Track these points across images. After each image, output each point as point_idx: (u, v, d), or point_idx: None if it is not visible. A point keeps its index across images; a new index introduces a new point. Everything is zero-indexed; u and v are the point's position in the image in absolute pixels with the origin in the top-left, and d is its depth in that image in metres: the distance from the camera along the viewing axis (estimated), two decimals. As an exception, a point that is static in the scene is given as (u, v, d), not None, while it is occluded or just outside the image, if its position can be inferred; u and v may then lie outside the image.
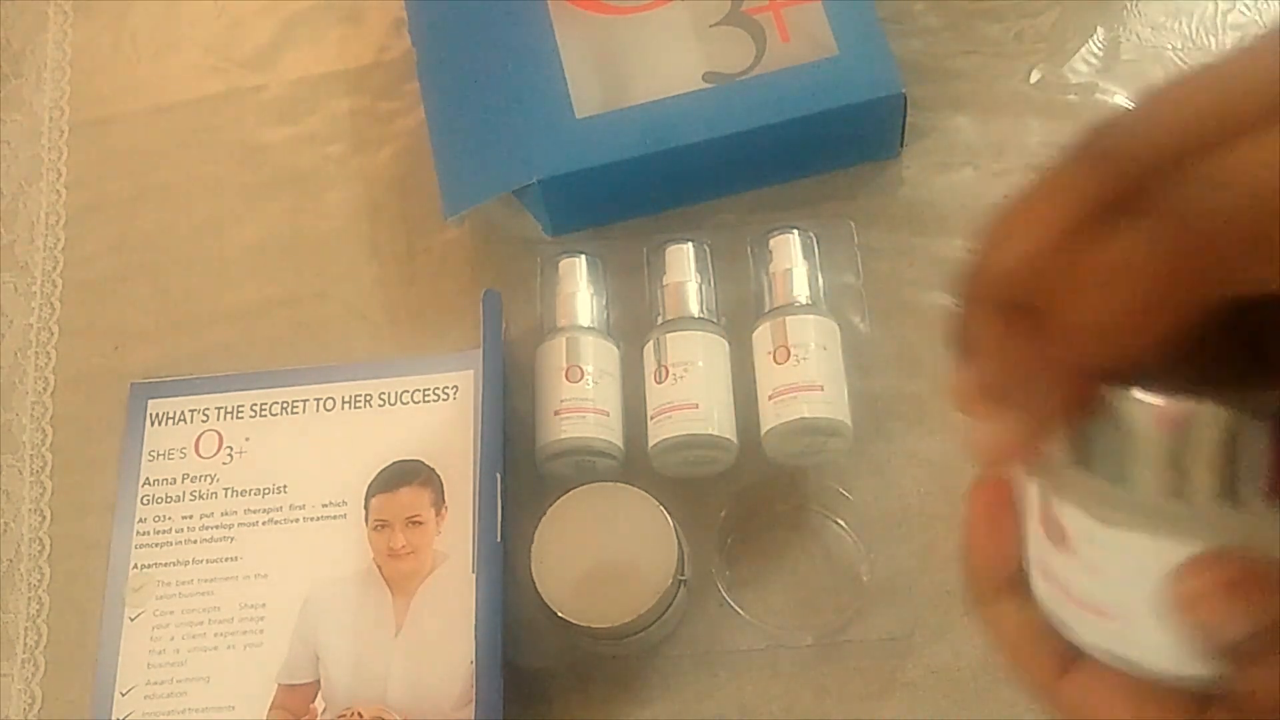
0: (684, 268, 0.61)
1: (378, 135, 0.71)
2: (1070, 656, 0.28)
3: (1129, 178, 0.24)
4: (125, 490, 0.63)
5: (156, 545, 0.61)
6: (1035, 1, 0.69)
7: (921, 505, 0.58)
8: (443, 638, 0.58)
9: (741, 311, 0.62)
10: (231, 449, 0.63)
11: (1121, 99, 0.66)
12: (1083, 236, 0.24)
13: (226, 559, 0.61)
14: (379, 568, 0.60)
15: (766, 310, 0.60)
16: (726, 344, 0.60)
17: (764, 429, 0.57)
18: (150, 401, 0.65)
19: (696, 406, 0.57)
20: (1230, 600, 0.25)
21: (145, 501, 0.62)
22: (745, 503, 0.59)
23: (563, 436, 0.57)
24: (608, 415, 0.58)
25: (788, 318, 0.58)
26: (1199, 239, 0.23)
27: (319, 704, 0.57)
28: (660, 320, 0.61)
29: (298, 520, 0.61)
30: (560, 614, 0.52)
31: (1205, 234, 0.23)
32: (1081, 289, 0.24)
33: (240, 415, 0.64)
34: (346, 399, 0.64)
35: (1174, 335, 0.24)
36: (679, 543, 0.54)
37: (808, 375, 0.57)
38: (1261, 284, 0.23)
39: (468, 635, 0.56)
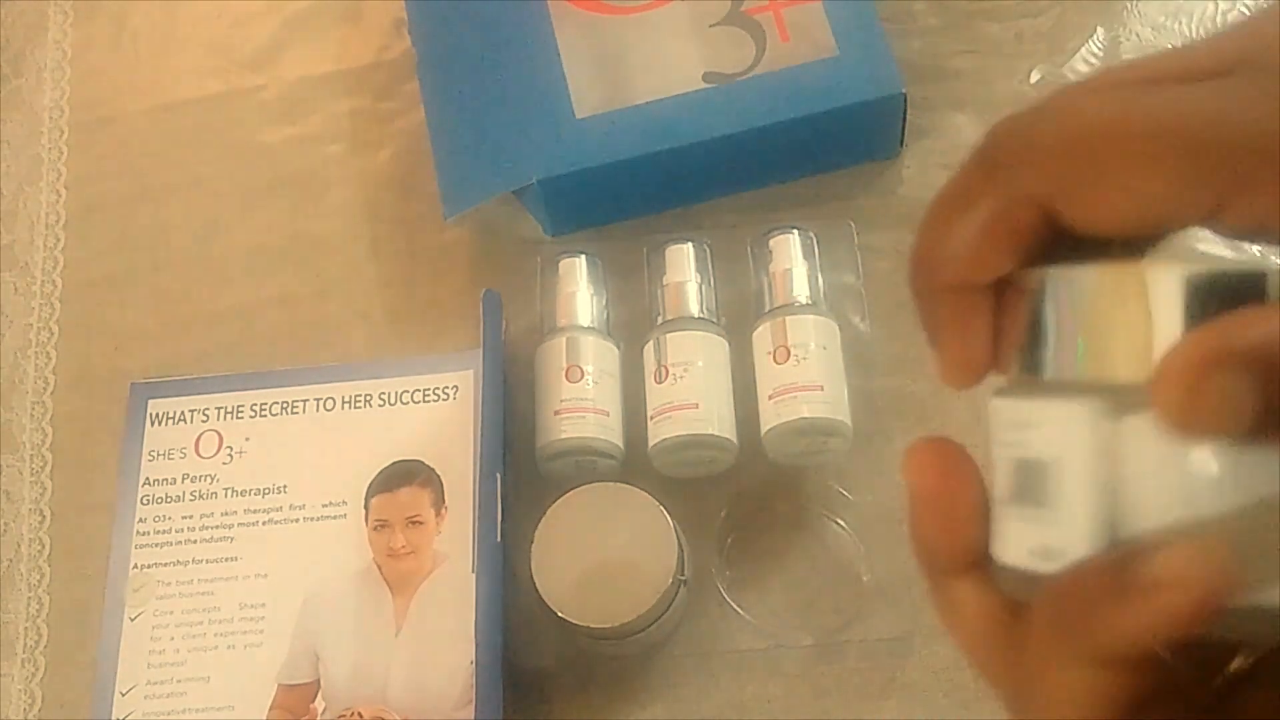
0: (684, 268, 0.61)
1: (378, 135, 0.71)
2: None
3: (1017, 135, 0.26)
4: (125, 490, 0.63)
5: (156, 545, 0.61)
6: (1035, 1, 0.69)
7: (921, 505, 0.58)
8: (443, 638, 0.58)
9: (741, 311, 0.62)
10: (231, 449, 0.63)
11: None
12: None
13: (226, 559, 0.61)
14: (379, 568, 0.60)
15: (766, 310, 0.60)
16: (726, 344, 0.60)
17: (764, 429, 0.57)
18: (150, 401, 0.65)
19: (697, 406, 0.57)
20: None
21: (145, 501, 0.62)
22: (745, 503, 0.59)
23: (563, 436, 0.57)
24: (608, 415, 0.58)
25: (788, 318, 0.58)
26: (1013, 168, 0.26)
27: (319, 704, 0.57)
28: (660, 320, 0.61)
29: (298, 520, 0.61)
30: (560, 614, 0.52)
31: (1016, 164, 0.26)
32: (935, 218, 0.27)
33: (240, 415, 0.64)
34: (346, 399, 0.64)
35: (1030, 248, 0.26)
36: (679, 543, 0.54)
37: (808, 375, 0.57)
38: (1081, 224, 0.25)
39: (468, 635, 0.56)
